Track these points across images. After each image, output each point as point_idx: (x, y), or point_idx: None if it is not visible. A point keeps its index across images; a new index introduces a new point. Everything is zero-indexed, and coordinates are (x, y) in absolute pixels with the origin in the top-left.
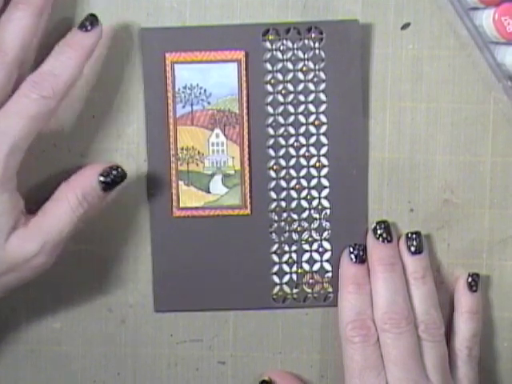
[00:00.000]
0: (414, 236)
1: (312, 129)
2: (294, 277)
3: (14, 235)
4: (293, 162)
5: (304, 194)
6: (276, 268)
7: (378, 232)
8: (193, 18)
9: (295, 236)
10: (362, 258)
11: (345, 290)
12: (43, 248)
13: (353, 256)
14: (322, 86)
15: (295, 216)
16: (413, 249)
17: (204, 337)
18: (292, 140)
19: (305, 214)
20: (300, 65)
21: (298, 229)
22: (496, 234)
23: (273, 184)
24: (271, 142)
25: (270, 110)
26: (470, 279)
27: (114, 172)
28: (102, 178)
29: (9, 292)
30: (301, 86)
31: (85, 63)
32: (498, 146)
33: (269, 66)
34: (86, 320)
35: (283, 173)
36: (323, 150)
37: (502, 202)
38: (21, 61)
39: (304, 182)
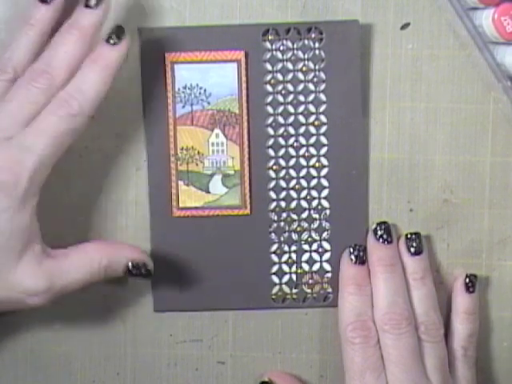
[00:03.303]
0: (414, 237)
1: (312, 129)
2: (294, 277)
3: (28, 264)
4: (292, 162)
5: (304, 194)
6: (275, 268)
7: (379, 233)
8: (192, 18)
9: (295, 236)
10: (362, 259)
11: (345, 291)
12: (47, 290)
13: (353, 257)
14: (322, 87)
15: (295, 216)
16: (412, 250)
17: (203, 337)
18: (292, 140)
19: (304, 215)
20: (300, 65)
21: (298, 229)
22: (495, 234)
23: (272, 184)
24: (271, 142)
25: (270, 110)
26: (467, 280)
27: (143, 269)
28: (130, 266)
29: None
30: (301, 87)
31: (112, 78)
32: (497, 146)
33: (269, 66)
34: (86, 320)
35: (283, 173)
36: (323, 151)
37: (501, 202)
38: (64, 85)
39: (304, 183)
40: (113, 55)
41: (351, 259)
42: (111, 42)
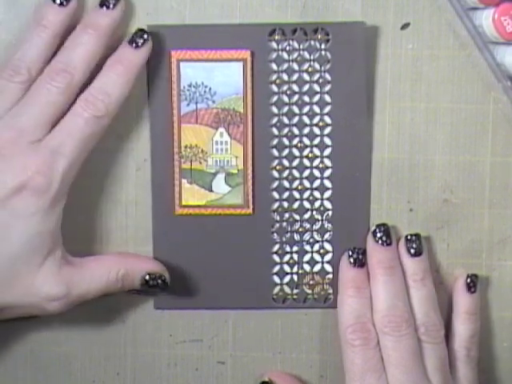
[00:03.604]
0: (414, 238)
1: (316, 130)
2: (295, 277)
3: (49, 269)
4: (296, 162)
5: (306, 194)
6: (277, 268)
7: (378, 235)
8: (192, 18)
9: (297, 237)
10: (361, 262)
11: (344, 294)
12: (66, 296)
13: (352, 259)
14: (327, 88)
15: (297, 217)
16: (412, 251)
17: (204, 337)
18: (296, 141)
19: (307, 215)
20: (305, 66)
21: (300, 229)
22: (495, 234)
23: (275, 184)
24: (275, 142)
25: (275, 110)
26: (468, 280)
27: (160, 281)
28: (147, 277)
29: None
30: (306, 87)
31: (134, 79)
32: (497, 146)
33: (274, 66)
34: (86, 320)
35: (286, 173)
36: (327, 152)
37: (501, 202)
38: (82, 84)
39: (307, 183)
40: (136, 57)
41: (350, 262)
42: (134, 44)
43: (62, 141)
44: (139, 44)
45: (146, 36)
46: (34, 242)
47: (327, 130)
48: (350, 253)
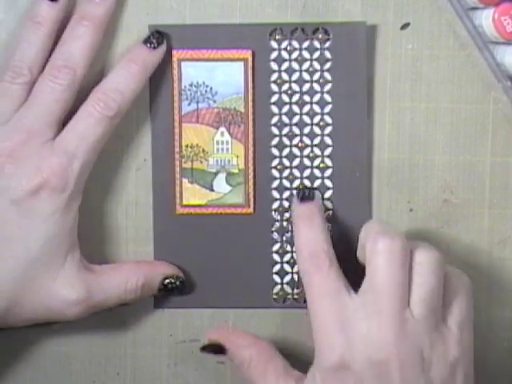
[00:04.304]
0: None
1: (317, 129)
2: (295, 277)
3: (69, 271)
4: (297, 162)
5: None
6: (277, 268)
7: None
8: (192, 18)
9: None
10: (307, 197)
11: (296, 228)
12: (85, 300)
13: (299, 197)
14: (328, 87)
15: None
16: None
17: (203, 337)
18: (296, 140)
19: None
20: (306, 65)
21: None
22: (495, 234)
23: (276, 183)
24: (276, 141)
25: (276, 109)
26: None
27: (178, 282)
28: (165, 281)
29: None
30: (306, 87)
31: (146, 80)
32: (497, 146)
33: (275, 66)
34: (86, 320)
35: (287, 173)
36: (327, 151)
37: (501, 202)
38: (84, 77)
39: (307, 183)
40: (151, 58)
41: (298, 200)
42: (149, 45)
43: (75, 143)
44: (155, 45)
45: (161, 38)
46: (51, 244)
47: (328, 130)
48: (296, 192)
